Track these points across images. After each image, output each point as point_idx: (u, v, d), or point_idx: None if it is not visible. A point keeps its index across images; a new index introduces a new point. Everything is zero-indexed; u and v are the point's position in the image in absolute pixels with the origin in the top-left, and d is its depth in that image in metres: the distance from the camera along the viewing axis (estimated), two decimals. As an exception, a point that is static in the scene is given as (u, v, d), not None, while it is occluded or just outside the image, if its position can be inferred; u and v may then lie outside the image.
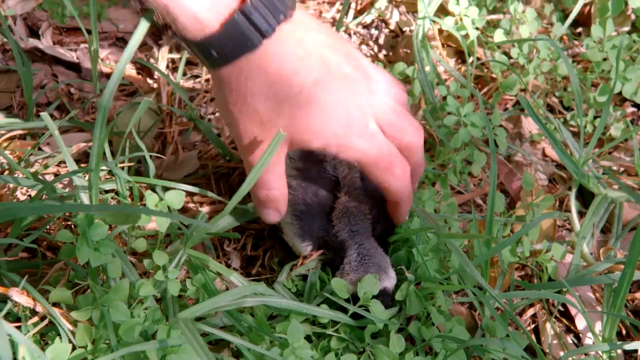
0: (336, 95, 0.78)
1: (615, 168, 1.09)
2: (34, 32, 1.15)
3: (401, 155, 0.83)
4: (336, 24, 1.17)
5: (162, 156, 0.96)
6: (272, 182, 0.81)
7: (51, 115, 0.99)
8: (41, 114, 0.86)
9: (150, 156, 1.00)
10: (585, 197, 1.05)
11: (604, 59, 1.13)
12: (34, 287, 0.76)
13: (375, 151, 0.81)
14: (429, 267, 0.85)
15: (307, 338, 0.81)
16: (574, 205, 1.03)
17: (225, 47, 0.74)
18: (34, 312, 0.76)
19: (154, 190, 0.88)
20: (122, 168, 0.91)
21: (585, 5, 1.17)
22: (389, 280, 0.82)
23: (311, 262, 0.87)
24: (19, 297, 0.74)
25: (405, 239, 0.89)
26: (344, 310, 0.81)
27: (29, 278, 0.77)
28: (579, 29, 1.21)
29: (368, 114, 0.80)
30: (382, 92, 0.82)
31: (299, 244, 0.86)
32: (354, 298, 0.81)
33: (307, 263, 0.86)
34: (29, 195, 0.95)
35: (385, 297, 0.81)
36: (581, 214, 1.03)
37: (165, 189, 0.85)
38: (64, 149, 0.84)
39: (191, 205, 0.96)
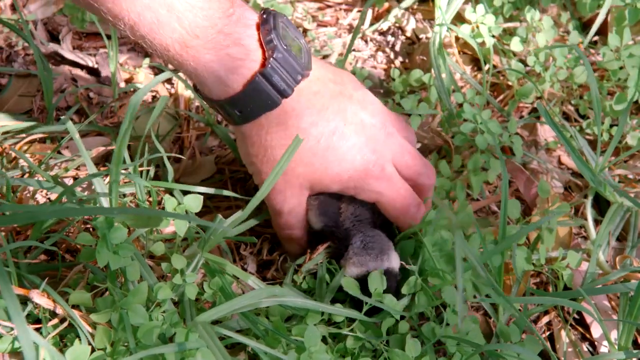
0: (352, 141, 0.84)
1: (631, 177, 1.09)
2: (54, 37, 1.16)
3: (415, 194, 0.89)
4: (353, 30, 1.17)
5: (181, 157, 0.97)
6: (294, 224, 0.88)
7: (70, 119, 1.00)
8: (62, 118, 0.87)
9: (169, 160, 1.01)
10: (601, 205, 1.05)
11: (621, 68, 1.13)
12: (53, 289, 0.77)
13: (392, 193, 0.87)
14: (436, 262, 0.85)
15: (323, 340, 0.81)
16: (589, 213, 1.03)
17: (247, 107, 0.79)
18: (53, 314, 0.76)
19: (172, 194, 0.89)
20: (141, 172, 0.92)
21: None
22: (391, 262, 0.85)
23: (318, 256, 0.88)
24: (40, 299, 0.75)
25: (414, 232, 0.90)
26: (358, 308, 0.82)
27: (48, 280, 0.78)
28: (596, 37, 1.21)
29: (385, 157, 0.86)
30: (397, 135, 0.88)
31: (314, 218, 0.89)
32: (363, 284, 0.83)
33: (315, 257, 0.88)
34: (49, 199, 0.96)
35: (390, 278, 0.83)
36: (597, 222, 1.03)
37: (183, 193, 0.85)
38: (84, 152, 0.85)
39: (208, 209, 0.96)
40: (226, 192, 0.89)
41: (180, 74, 1.09)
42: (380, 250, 0.85)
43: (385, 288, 0.83)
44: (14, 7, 1.16)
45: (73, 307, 0.77)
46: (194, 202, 0.82)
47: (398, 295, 0.85)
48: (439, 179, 1.02)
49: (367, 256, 0.84)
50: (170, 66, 0.79)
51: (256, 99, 0.79)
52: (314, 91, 0.82)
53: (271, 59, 0.77)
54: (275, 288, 0.77)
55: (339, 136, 0.83)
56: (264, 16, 0.79)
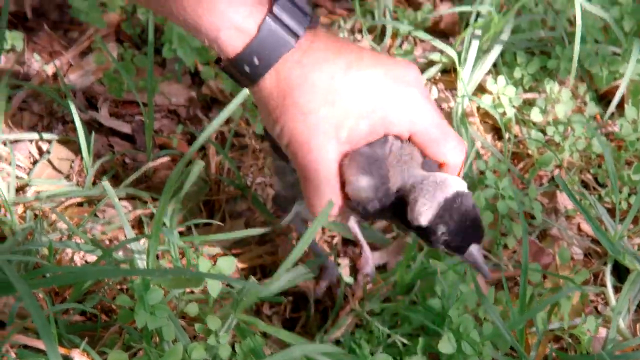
0: (370, 71, 0.81)
1: (650, 244, 1.12)
2: (92, 105, 1.21)
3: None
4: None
5: (216, 222, 1.01)
6: (326, 189, 0.82)
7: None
8: (102, 182, 0.92)
9: (200, 222, 1.05)
10: (621, 273, 1.08)
11: (638, 139, 1.17)
12: (92, 348, 0.80)
13: (428, 113, 0.82)
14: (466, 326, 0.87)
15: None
16: (609, 280, 1.06)
17: (265, 50, 0.79)
18: (92, 373, 0.80)
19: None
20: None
21: (618, 86, 1.22)
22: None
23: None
24: (81, 358, 0.78)
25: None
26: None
27: (86, 340, 0.81)
28: (612, 109, 1.25)
29: (409, 82, 0.83)
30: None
31: (355, 177, 0.81)
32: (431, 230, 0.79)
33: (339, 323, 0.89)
34: (86, 261, 1.00)
35: (465, 199, 0.78)
36: (617, 289, 1.05)
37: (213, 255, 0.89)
38: (122, 215, 0.90)
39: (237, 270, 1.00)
40: (255, 250, 0.91)
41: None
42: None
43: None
44: (55, 77, 1.22)
45: (111, 366, 0.80)
46: (227, 265, 0.85)
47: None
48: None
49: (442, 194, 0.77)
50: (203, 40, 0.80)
51: (272, 40, 0.79)
52: (329, 38, 0.83)
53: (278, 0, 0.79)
54: (309, 345, 0.79)
55: (357, 68, 0.81)
56: None
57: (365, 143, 0.81)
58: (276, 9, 0.79)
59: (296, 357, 0.79)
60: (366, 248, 0.99)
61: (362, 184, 0.80)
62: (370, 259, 0.97)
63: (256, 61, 0.80)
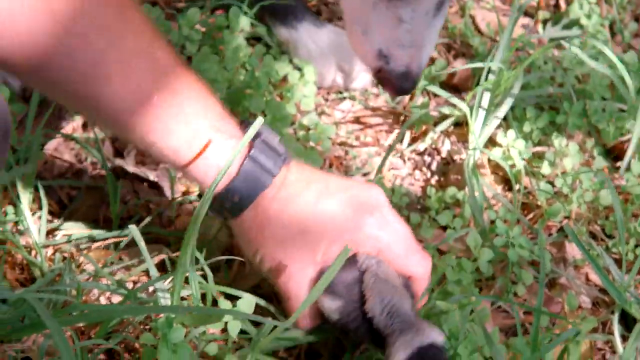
0: (339, 197, 0.92)
1: (656, 295, 1.15)
2: (119, 153, 1.27)
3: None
4: (389, 148, 1.27)
5: (237, 258, 1.05)
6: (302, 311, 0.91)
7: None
8: (130, 226, 0.97)
9: (219, 264, 1.10)
10: (628, 322, 1.10)
11: (644, 192, 1.21)
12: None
13: (392, 235, 0.93)
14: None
15: None
16: (616, 329, 1.08)
17: (244, 189, 0.89)
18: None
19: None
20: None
21: (624, 142, 1.26)
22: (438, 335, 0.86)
23: None
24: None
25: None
26: None
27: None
28: (619, 163, 1.30)
29: (381, 208, 0.94)
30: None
31: (328, 301, 0.90)
32: None
33: None
34: (110, 301, 1.04)
35: (439, 352, 0.84)
36: (624, 338, 1.08)
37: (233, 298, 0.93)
38: (148, 259, 0.94)
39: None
40: (272, 308, 0.96)
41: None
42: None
43: None
44: (85, 126, 1.29)
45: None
46: (247, 306, 0.89)
47: None
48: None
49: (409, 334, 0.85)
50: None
51: (250, 181, 0.89)
52: (300, 171, 0.93)
53: (256, 141, 0.89)
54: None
55: (325, 196, 0.91)
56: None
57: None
58: (254, 152, 0.89)
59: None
60: None
61: (332, 307, 0.89)
62: None
63: (236, 198, 0.89)
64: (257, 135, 0.90)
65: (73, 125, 1.27)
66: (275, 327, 0.87)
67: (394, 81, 0.95)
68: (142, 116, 0.85)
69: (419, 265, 0.94)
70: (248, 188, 0.89)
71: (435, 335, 0.85)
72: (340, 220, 0.90)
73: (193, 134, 0.87)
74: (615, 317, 1.09)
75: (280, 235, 0.90)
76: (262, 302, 0.95)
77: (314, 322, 0.93)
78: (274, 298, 1.07)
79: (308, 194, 0.91)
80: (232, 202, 0.90)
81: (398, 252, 0.92)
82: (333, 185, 0.93)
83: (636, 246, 1.18)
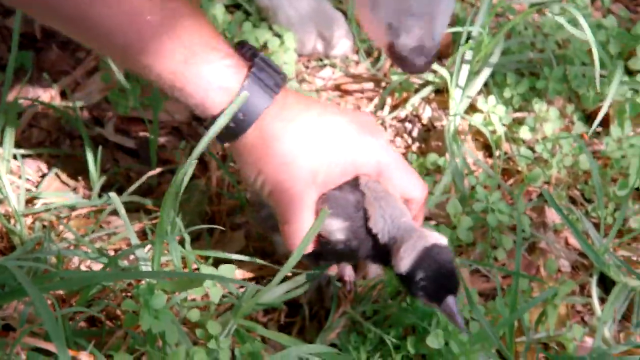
0: (340, 117, 0.92)
1: (634, 258, 1.16)
2: (98, 122, 1.26)
3: None
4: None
5: (215, 226, 1.05)
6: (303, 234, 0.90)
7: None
8: (110, 194, 0.96)
9: (202, 233, 1.10)
10: (607, 284, 1.12)
11: (623, 157, 1.22)
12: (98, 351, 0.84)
13: (393, 155, 0.94)
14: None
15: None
16: (595, 291, 1.10)
17: (248, 106, 0.88)
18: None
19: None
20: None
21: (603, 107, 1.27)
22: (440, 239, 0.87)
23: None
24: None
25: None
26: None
27: (92, 344, 0.85)
28: (599, 128, 1.30)
29: (377, 131, 0.95)
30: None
31: (330, 222, 0.90)
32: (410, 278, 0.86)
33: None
34: (91, 269, 1.04)
35: (443, 250, 0.85)
36: (602, 301, 1.09)
37: (215, 264, 0.93)
38: (129, 226, 0.94)
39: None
40: (259, 260, 0.96)
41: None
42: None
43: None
44: (61, 95, 1.27)
45: (116, 368, 0.84)
46: (228, 272, 0.89)
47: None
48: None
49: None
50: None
51: (253, 97, 0.87)
52: (298, 95, 0.93)
53: (256, 58, 0.89)
54: (304, 346, 0.83)
55: (325, 118, 0.90)
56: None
57: (338, 184, 0.90)
58: (255, 69, 0.88)
59: (293, 359, 0.82)
60: None
61: (333, 227, 0.89)
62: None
63: (240, 116, 0.88)
64: (255, 54, 0.90)
65: (51, 94, 1.26)
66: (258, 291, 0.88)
67: (407, 57, 0.88)
68: (137, 36, 0.84)
69: (417, 188, 0.94)
70: (251, 105, 0.87)
71: (437, 237, 0.86)
72: (342, 140, 0.90)
73: (189, 53, 0.86)
74: (594, 280, 1.10)
75: (283, 154, 0.89)
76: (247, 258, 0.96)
77: (313, 246, 0.92)
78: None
79: (309, 115, 0.90)
80: (235, 121, 0.88)
81: (398, 174, 0.92)
82: (331, 108, 0.93)
83: (615, 210, 1.19)
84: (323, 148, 0.90)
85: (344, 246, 0.90)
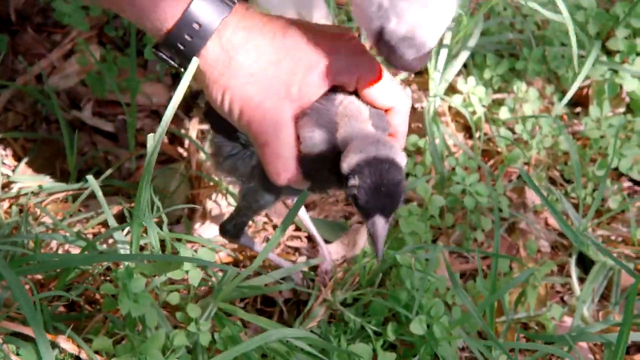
0: (310, 27, 0.82)
1: (613, 238, 1.17)
2: (75, 105, 1.25)
3: None
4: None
5: (195, 206, 1.04)
6: (284, 152, 0.81)
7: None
8: (87, 177, 0.95)
9: (182, 217, 1.09)
10: (586, 264, 1.12)
11: (602, 137, 1.23)
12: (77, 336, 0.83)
13: (369, 59, 0.83)
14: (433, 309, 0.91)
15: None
16: (574, 271, 1.10)
17: (204, 14, 0.78)
18: (77, 359, 0.83)
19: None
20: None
21: (583, 88, 1.27)
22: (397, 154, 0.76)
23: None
24: (66, 344, 0.81)
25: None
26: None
27: (70, 328, 0.85)
28: (578, 109, 1.31)
29: (348, 34, 0.84)
30: None
31: (310, 133, 0.80)
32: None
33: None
34: (69, 253, 1.03)
35: (393, 168, 0.75)
36: (582, 280, 1.10)
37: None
38: (105, 207, 0.93)
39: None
40: (240, 243, 0.95)
41: (192, 136, 1.17)
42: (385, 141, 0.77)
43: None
44: (37, 78, 1.26)
45: (95, 352, 0.83)
46: (208, 255, 0.89)
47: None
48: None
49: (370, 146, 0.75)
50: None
51: (209, 6, 0.78)
52: (256, 10, 0.82)
53: None
54: (286, 330, 0.83)
55: (295, 27, 0.80)
56: None
57: (315, 98, 0.80)
58: None
59: (273, 341, 0.82)
60: (322, 244, 1.03)
61: (316, 139, 0.79)
62: (327, 255, 1.01)
63: (196, 26, 0.78)
64: None
65: (26, 77, 1.24)
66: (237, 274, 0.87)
67: (395, 47, 0.74)
68: None
69: (397, 97, 0.83)
70: (208, 13, 0.78)
71: (396, 152, 0.76)
72: (315, 46, 0.79)
73: None
74: (573, 260, 1.11)
75: (250, 64, 0.79)
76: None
77: (297, 174, 0.81)
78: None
79: (274, 24, 0.80)
80: (192, 33, 0.78)
81: (380, 80, 0.81)
82: (300, 21, 0.83)
83: (594, 190, 1.19)
84: (294, 55, 0.79)
85: (326, 161, 0.79)
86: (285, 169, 0.80)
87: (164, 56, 0.81)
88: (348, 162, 0.75)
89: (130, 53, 1.15)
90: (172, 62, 0.81)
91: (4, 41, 1.25)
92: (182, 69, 0.81)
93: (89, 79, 1.25)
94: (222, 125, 0.84)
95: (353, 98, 0.81)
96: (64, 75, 1.27)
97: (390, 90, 0.83)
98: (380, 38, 0.75)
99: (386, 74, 0.83)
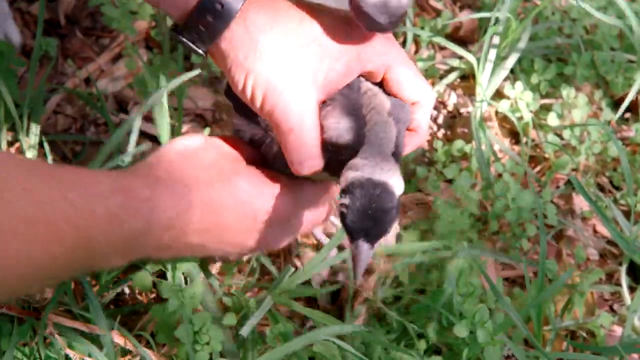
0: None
1: (664, 246, 1.15)
2: (122, 109, 1.26)
3: None
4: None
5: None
6: (309, 142, 0.77)
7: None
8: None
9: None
10: (637, 273, 1.10)
11: (652, 143, 1.21)
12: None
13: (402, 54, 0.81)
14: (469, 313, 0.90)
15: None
16: (624, 280, 1.08)
17: None
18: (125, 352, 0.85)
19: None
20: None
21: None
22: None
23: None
24: (119, 339, 0.83)
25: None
26: None
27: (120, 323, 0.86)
28: (627, 114, 1.28)
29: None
30: None
31: (337, 120, 0.77)
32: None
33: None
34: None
35: (386, 196, 0.72)
36: (632, 289, 1.08)
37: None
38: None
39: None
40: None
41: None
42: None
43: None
44: (86, 82, 1.27)
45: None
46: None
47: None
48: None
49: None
50: None
51: None
52: None
53: None
54: (344, 326, 0.83)
55: (321, 12, 0.78)
56: None
57: (341, 86, 0.77)
58: None
59: (327, 336, 0.82)
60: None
61: (343, 126, 0.76)
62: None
63: (218, 6, 0.75)
64: None
65: (75, 81, 1.26)
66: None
67: (368, 14, 0.75)
68: None
69: (424, 91, 0.81)
70: None
71: (391, 177, 0.73)
72: (344, 33, 0.77)
73: None
74: (623, 269, 1.09)
75: (276, 48, 0.75)
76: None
77: (320, 163, 0.77)
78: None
79: (301, 8, 0.77)
80: (214, 13, 0.75)
81: (405, 72, 0.79)
82: (322, 5, 0.79)
83: (644, 197, 1.17)
84: (321, 42, 0.76)
85: (350, 151, 0.76)
86: (308, 157, 0.76)
87: (186, 40, 0.78)
88: (344, 178, 0.73)
89: (177, 57, 1.16)
90: (195, 47, 0.78)
91: (54, 45, 1.27)
92: (204, 54, 0.78)
93: (136, 83, 1.26)
94: (244, 107, 0.80)
95: (377, 89, 0.79)
96: (112, 79, 1.29)
97: (417, 84, 0.80)
98: (357, 7, 0.74)
99: (413, 66, 0.81)
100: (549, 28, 1.32)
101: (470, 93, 1.31)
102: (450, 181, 1.18)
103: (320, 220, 0.85)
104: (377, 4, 0.73)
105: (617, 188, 1.21)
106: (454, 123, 1.29)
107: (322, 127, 0.76)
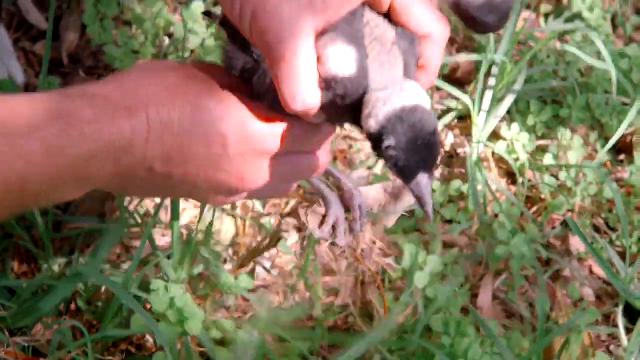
0: None
1: (660, 287, 1.16)
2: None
3: None
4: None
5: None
6: (308, 78, 0.67)
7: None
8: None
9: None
10: (633, 314, 1.11)
11: (647, 185, 1.22)
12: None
13: None
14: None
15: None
16: (621, 321, 1.09)
17: None
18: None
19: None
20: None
21: (627, 135, 1.27)
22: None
23: None
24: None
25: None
26: None
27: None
28: (622, 156, 1.30)
29: None
30: None
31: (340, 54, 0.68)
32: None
33: None
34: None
35: (426, 116, 0.66)
36: (629, 330, 1.09)
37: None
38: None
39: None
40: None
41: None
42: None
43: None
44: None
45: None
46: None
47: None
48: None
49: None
50: None
51: None
52: None
53: None
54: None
55: None
56: None
57: (342, 13, 0.67)
58: None
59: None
60: (342, 178, 0.91)
61: (345, 56, 0.67)
62: (353, 189, 0.90)
63: None
64: None
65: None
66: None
67: (476, 17, 0.70)
68: None
69: (436, 25, 0.71)
70: None
71: (421, 96, 0.66)
72: None
73: None
74: (620, 310, 1.10)
75: None
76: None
77: (316, 99, 0.67)
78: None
79: None
80: None
81: (416, 2, 0.70)
82: None
83: (639, 239, 1.18)
84: None
85: (353, 88, 0.67)
86: (302, 91, 0.66)
87: None
88: (375, 119, 0.65)
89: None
90: None
91: (56, 84, 1.29)
92: None
93: (138, 122, 1.28)
94: (237, 36, 0.72)
95: (381, 20, 0.71)
96: (114, 118, 1.30)
97: (429, 14, 0.71)
98: (458, 9, 0.71)
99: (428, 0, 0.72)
100: (544, 71, 1.34)
101: (467, 133, 1.33)
102: (449, 221, 1.19)
103: (319, 166, 0.75)
104: (483, 6, 0.70)
105: (613, 229, 1.23)
106: (451, 163, 1.30)
107: (320, 59, 0.67)
